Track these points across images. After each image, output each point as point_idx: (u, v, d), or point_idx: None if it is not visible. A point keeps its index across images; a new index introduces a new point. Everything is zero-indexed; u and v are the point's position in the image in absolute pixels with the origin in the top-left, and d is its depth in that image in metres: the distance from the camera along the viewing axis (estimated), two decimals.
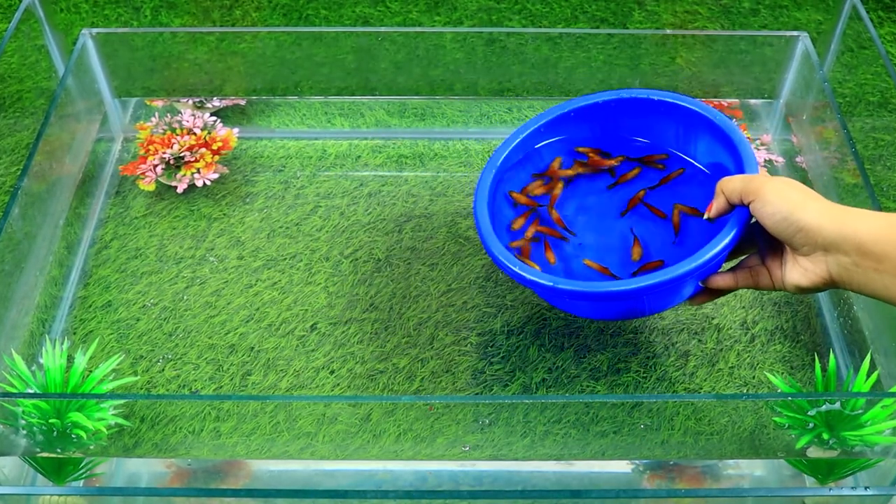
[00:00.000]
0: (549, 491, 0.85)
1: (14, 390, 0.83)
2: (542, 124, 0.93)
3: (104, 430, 0.78)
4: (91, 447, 0.80)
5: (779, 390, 0.86)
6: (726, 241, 0.77)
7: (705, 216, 0.80)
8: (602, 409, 0.83)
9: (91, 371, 0.86)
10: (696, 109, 0.89)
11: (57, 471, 0.81)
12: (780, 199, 0.72)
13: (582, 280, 0.85)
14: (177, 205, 1.08)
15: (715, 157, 0.89)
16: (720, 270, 0.82)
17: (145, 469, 0.87)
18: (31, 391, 0.83)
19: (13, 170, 1.10)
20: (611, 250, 0.90)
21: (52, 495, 0.82)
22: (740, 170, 0.83)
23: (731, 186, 0.76)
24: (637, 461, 0.87)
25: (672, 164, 0.93)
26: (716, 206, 0.78)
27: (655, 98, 0.91)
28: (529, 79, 1.14)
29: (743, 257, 0.83)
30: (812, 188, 1.05)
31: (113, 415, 0.79)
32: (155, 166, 1.07)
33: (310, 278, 1.00)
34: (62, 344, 0.86)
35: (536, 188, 0.93)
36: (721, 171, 0.88)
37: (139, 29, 1.21)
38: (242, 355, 0.94)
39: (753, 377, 0.92)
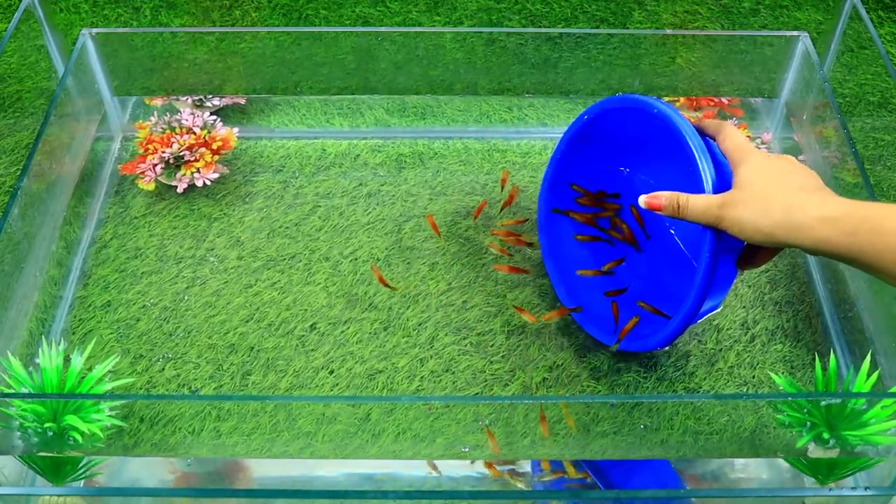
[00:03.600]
0: (549, 491, 0.85)
1: (10, 392, 0.82)
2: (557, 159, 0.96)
3: (100, 432, 0.77)
4: (88, 449, 0.80)
5: (781, 389, 0.86)
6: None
7: (640, 201, 0.81)
8: (602, 409, 0.83)
9: (89, 371, 0.86)
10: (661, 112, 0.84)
11: (55, 471, 0.81)
12: (747, 232, 0.74)
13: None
14: (177, 204, 1.07)
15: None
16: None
17: (147, 472, 0.87)
18: (25, 391, 0.83)
19: (13, 170, 1.10)
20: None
21: (51, 496, 0.82)
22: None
23: (690, 215, 0.78)
24: None
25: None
26: (665, 212, 0.79)
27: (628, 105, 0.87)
28: (529, 79, 1.14)
29: None
30: None
31: (109, 416, 0.79)
32: (154, 165, 1.07)
33: (309, 278, 1.00)
34: (59, 345, 0.86)
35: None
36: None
37: (139, 29, 1.21)
38: (242, 355, 0.94)
39: (753, 377, 0.92)
